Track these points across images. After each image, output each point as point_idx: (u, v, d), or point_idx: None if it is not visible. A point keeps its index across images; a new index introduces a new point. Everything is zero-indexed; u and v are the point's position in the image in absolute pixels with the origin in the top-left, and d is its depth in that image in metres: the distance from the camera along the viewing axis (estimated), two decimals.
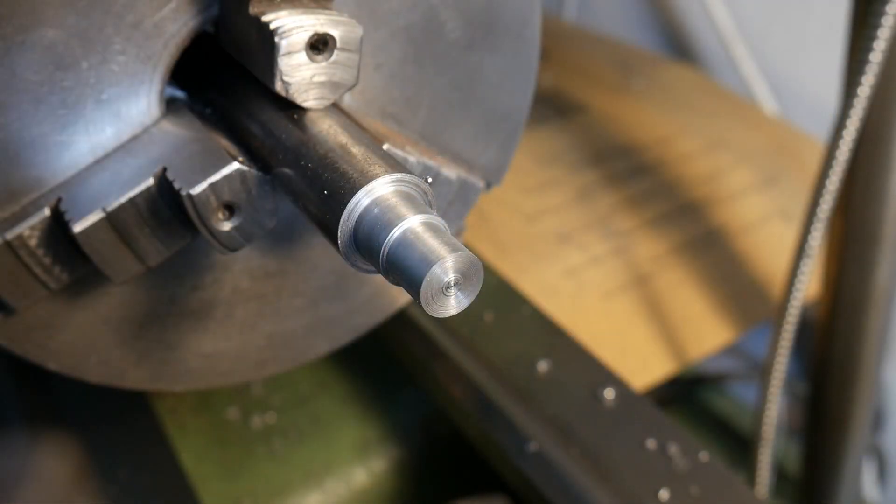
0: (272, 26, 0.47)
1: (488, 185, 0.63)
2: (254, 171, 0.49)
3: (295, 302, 0.63)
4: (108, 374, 0.61)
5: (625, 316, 1.06)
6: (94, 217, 0.49)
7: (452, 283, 0.40)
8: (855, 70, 0.87)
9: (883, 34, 0.84)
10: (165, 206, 0.50)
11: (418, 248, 0.40)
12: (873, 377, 1.09)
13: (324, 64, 0.48)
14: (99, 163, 0.52)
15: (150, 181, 0.50)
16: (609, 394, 0.81)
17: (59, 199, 0.50)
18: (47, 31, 0.48)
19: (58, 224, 0.50)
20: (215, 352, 0.63)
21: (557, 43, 1.62)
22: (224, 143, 0.51)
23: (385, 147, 0.51)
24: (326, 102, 0.50)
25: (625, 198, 1.21)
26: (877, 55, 0.85)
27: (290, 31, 0.47)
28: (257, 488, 0.91)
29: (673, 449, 0.78)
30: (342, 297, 0.65)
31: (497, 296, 0.92)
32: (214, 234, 0.50)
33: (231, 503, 0.89)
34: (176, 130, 0.52)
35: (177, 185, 0.48)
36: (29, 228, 0.50)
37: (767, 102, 1.53)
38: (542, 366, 0.83)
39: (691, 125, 1.40)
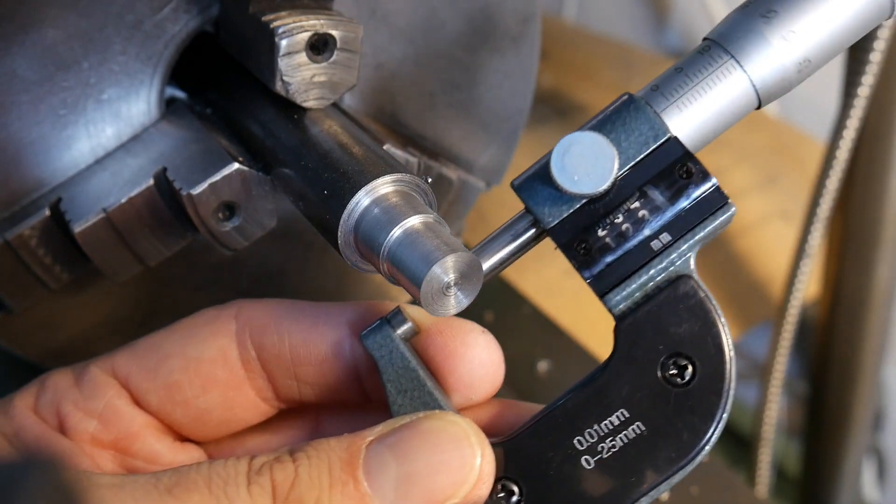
0: (272, 26, 0.47)
1: (488, 185, 0.63)
2: (254, 171, 0.49)
3: None
4: None
5: None
6: (94, 217, 0.49)
7: (452, 283, 0.40)
8: (855, 70, 0.87)
9: (883, 34, 0.84)
10: (165, 206, 0.50)
11: (418, 248, 0.40)
12: (873, 377, 1.09)
13: (324, 64, 0.48)
14: (99, 163, 0.52)
15: (150, 181, 0.50)
16: None
17: (59, 199, 0.50)
18: (47, 31, 0.48)
19: (58, 224, 0.50)
20: None
21: (557, 43, 1.62)
22: (224, 143, 0.51)
23: (385, 147, 0.51)
24: (326, 102, 0.50)
25: None
26: (877, 55, 0.85)
27: (290, 31, 0.47)
28: None
29: None
30: (342, 297, 0.65)
31: (497, 296, 0.91)
32: (214, 234, 0.50)
33: None
34: (176, 131, 0.52)
35: (177, 185, 0.48)
36: (29, 228, 0.50)
37: None
38: (542, 366, 0.83)
39: None
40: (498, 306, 0.89)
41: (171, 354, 0.45)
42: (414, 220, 0.42)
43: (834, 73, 0.95)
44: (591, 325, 1.05)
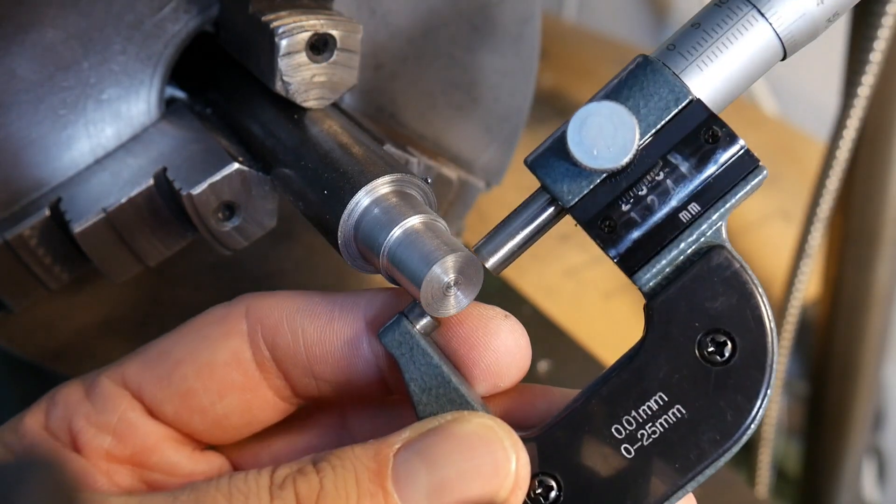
0: (272, 26, 0.47)
1: (488, 185, 0.63)
2: (254, 171, 0.49)
3: None
4: None
5: (625, 316, 1.06)
6: (94, 217, 0.49)
7: (452, 283, 0.40)
8: (855, 70, 0.87)
9: (883, 34, 0.84)
10: (165, 206, 0.50)
11: (418, 248, 0.40)
12: (873, 377, 1.09)
13: (324, 64, 0.48)
14: (99, 163, 0.52)
15: (150, 181, 0.50)
16: None
17: (59, 199, 0.50)
18: (47, 31, 0.48)
19: (58, 224, 0.50)
20: None
21: (557, 43, 1.62)
22: (224, 143, 0.51)
23: (385, 147, 0.51)
24: (327, 102, 0.50)
25: None
26: (877, 55, 0.85)
27: (290, 31, 0.47)
28: None
29: None
30: None
31: (497, 296, 0.92)
32: (214, 234, 0.50)
33: None
34: (176, 131, 0.52)
35: (177, 185, 0.48)
36: (29, 228, 0.50)
37: (767, 102, 1.53)
38: (543, 366, 0.83)
39: None
40: (498, 306, 0.89)
41: (183, 361, 0.43)
42: (414, 220, 0.41)
43: (834, 73, 0.96)
44: (591, 325, 1.05)
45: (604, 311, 1.06)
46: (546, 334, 0.88)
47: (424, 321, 0.41)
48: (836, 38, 0.96)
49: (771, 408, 1.04)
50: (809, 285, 1.00)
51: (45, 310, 0.56)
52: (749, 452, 1.07)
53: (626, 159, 0.38)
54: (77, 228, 0.49)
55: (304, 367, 0.43)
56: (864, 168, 0.97)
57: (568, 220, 0.44)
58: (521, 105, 0.62)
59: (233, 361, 0.43)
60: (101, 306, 0.57)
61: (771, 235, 1.20)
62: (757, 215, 1.23)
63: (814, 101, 1.47)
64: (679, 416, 0.39)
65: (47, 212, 0.50)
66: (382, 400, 0.46)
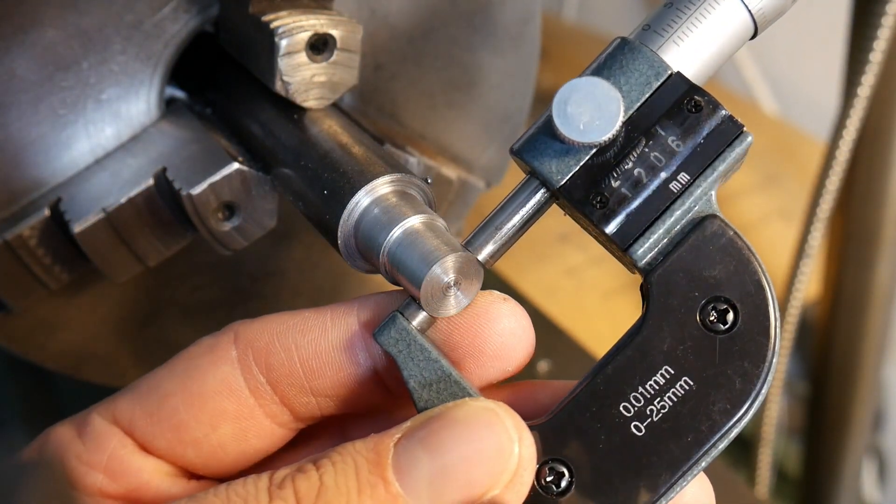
0: (272, 26, 0.47)
1: (488, 185, 0.63)
2: (254, 171, 0.49)
3: (295, 302, 0.63)
4: (108, 374, 0.61)
5: (625, 316, 1.06)
6: (94, 217, 0.49)
7: (452, 283, 0.40)
8: (855, 70, 0.87)
9: (883, 34, 0.84)
10: (165, 206, 0.50)
11: (418, 248, 0.40)
12: (873, 377, 1.09)
13: (324, 64, 0.48)
14: (99, 163, 0.52)
15: (150, 181, 0.50)
16: None
17: (59, 199, 0.50)
18: (47, 30, 0.48)
19: (57, 224, 0.50)
20: None
21: (557, 43, 1.62)
22: (224, 143, 0.51)
23: (385, 147, 0.51)
24: (326, 102, 0.50)
25: None
26: (877, 55, 0.85)
27: (290, 31, 0.47)
28: None
29: None
30: (341, 296, 0.65)
31: None
32: (214, 234, 0.50)
33: None
34: (176, 130, 0.52)
35: (177, 186, 0.48)
36: (29, 228, 0.50)
37: (767, 102, 1.53)
38: (543, 366, 0.83)
39: None
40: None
41: (172, 393, 0.42)
42: (414, 221, 0.42)
43: (834, 72, 0.96)
44: (591, 325, 1.05)
45: (604, 311, 1.05)
46: (546, 334, 0.88)
47: (420, 318, 0.41)
48: (836, 38, 0.96)
49: (771, 408, 1.04)
50: (809, 285, 1.00)
51: (45, 310, 0.56)
52: (749, 452, 1.07)
53: (613, 131, 0.39)
54: (77, 228, 0.49)
55: (301, 386, 0.42)
56: (864, 168, 0.97)
57: (567, 220, 0.44)
58: (521, 105, 0.62)
59: (223, 390, 0.42)
60: (101, 306, 0.57)
61: (771, 235, 1.20)
62: (757, 215, 1.23)
63: (814, 101, 1.47)
64: (687, 388, 0.39)
65: (47, 212, 0.50)
66: (383, 410, 0.45)
